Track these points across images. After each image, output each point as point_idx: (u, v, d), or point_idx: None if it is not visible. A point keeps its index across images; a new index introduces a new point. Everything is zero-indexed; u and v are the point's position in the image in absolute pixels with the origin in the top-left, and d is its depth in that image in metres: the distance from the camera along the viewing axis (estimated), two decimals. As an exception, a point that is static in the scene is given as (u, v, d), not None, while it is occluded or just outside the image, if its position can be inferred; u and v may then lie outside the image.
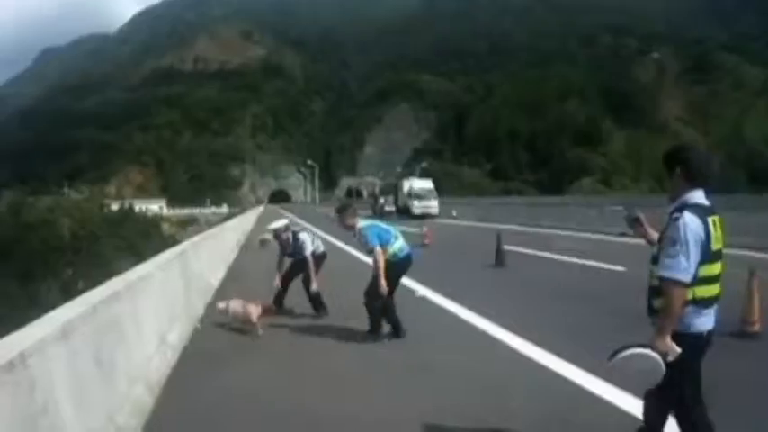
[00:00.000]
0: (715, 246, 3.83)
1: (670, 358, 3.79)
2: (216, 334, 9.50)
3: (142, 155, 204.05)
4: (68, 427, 4.01)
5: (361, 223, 8.80)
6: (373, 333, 8.74)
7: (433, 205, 52.13)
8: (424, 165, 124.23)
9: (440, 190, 57.32)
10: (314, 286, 10.36)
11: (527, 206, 56.53)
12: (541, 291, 12.87)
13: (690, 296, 3.78)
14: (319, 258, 10.82)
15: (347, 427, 5.58)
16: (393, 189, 64.33)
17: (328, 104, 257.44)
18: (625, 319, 7.14)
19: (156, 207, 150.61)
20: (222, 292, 12.74)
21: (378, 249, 8.36)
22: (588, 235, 25.74)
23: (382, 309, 8.63)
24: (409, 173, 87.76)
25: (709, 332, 3.92)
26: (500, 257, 16.82)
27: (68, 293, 62.04)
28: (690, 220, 3.73)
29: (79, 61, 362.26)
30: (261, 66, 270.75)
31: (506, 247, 17.37)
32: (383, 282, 8.30)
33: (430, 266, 16.30)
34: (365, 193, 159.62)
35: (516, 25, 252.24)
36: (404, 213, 52.57)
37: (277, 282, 10.84)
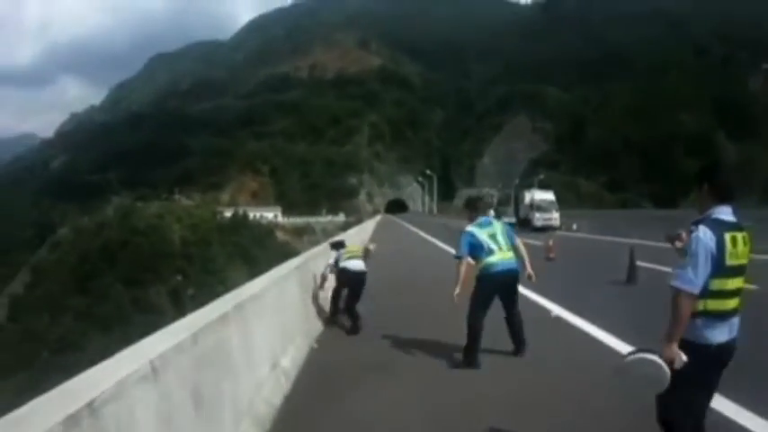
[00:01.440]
0: (731, 261, 3.88)
1: (676, 366, 3.88)
2: (335, 355, 8.72)
3: (256, 162, 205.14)
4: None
5: (468, 227, 8.20)
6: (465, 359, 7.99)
7: (554, 217, 51.45)
8: (541, 177, 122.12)
9: (559, 202, 55.98)
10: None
11: (646, 219, 54.89)
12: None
13: (701, 307, 3.89)
14: (348, 275, 10.50)
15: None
16: (509, 200, 63.31)
17: (447, 113, 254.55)
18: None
19: (270, 215, 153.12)
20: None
21: (464, 259, 7.95)
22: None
23: (475, 333, 7.88)
24: (528, 184, 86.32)
25: (721, 345, 3.95)
26: (632, 274, 15.81)
27: (178, 299, 64.01)
28: (703, 234, 3.85)
29: (191, 67, 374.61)
30: (378, 74, 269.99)
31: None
32: (457, 288, 7.88)
33: (559, 283, 15.39)
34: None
35: (629, 33, 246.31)
36: (524, 225, 51.45)
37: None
